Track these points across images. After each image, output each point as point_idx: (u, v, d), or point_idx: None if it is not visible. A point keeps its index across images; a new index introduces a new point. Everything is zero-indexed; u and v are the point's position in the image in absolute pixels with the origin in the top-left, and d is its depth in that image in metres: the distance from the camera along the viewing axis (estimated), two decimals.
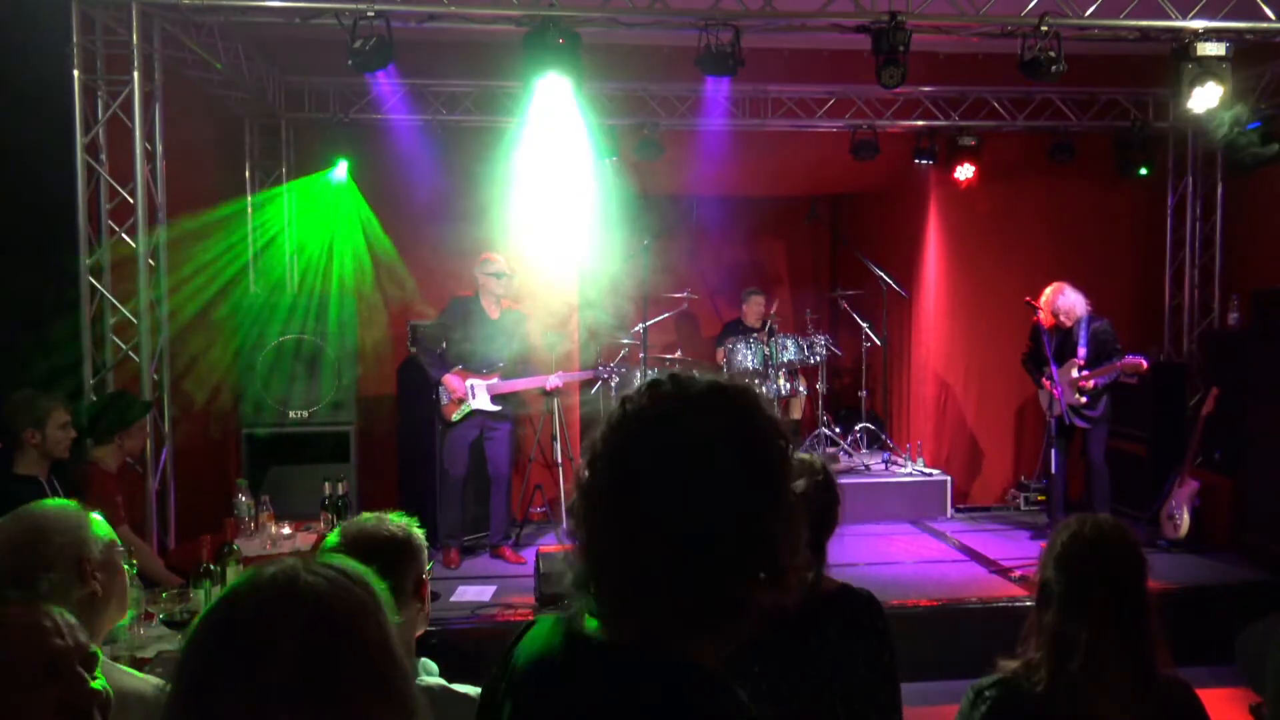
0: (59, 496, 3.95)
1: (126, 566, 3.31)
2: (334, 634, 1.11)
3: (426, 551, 2.17)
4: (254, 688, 1.06)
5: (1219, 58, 5.52)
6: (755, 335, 8.13)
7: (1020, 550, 6.62)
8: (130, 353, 5.24)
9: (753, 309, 8.64)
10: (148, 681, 1.99)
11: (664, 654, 1.18)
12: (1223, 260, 7.84)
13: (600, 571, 1.22)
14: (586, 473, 1.24)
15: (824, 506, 2.28)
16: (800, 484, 1.26)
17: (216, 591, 3.41)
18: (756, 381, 7.87)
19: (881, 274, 8.29)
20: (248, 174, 7.55)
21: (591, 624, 1.23)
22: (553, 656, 1.26)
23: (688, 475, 1.17)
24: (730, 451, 1.19)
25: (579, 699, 1.20)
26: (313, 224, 7.68)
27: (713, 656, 1.20)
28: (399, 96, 7.30)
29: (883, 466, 8.08)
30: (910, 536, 7.17)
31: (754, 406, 1.25)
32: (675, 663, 1.17)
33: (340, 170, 7.41)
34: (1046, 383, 6.48)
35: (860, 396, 8.56)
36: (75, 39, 4.99)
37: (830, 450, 8.14)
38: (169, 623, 3.25)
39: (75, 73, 5.02)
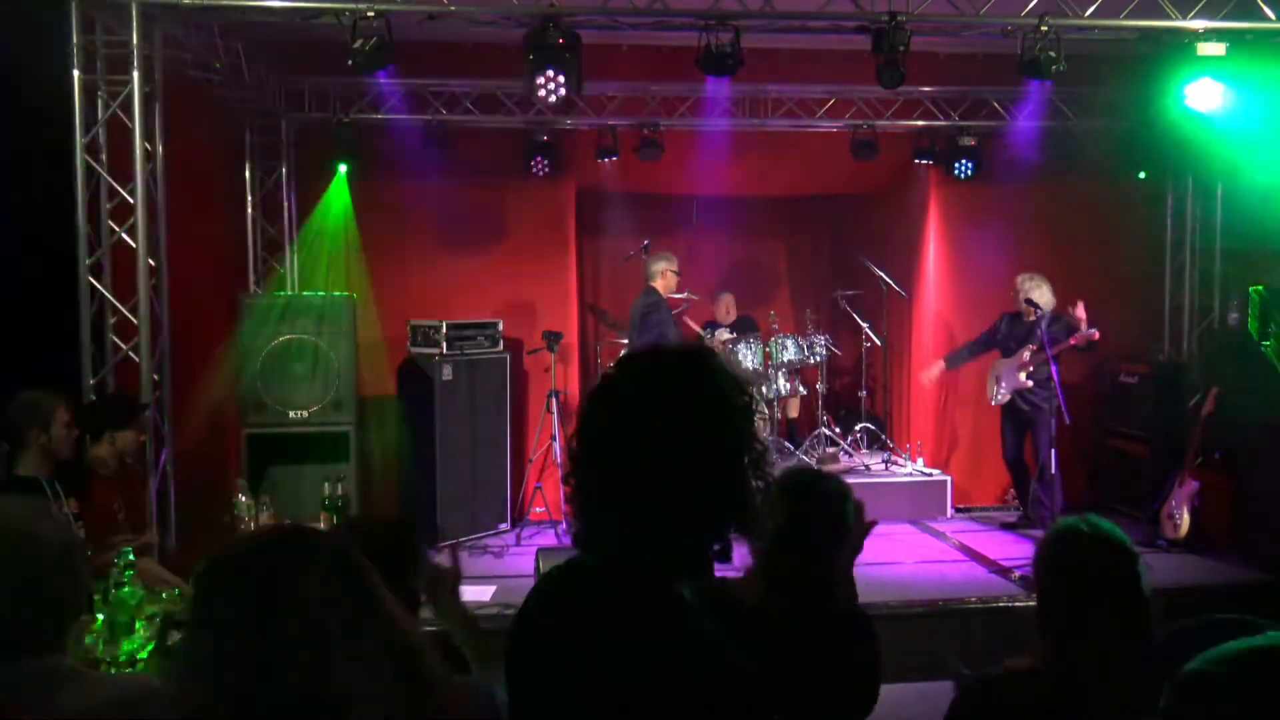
0: (60, 499, 3.97)
1: (121, 561, 3.34)
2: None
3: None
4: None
5: (1219, 58, 5.52)
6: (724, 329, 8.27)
7: (1020, 550, 6.60)
8: (130, 353, 5.24)
9: (720, 307, 8.69)
10: (134, 683, 1.98)
11: (646, 581, 1.34)
12: (1223, 260, 7.82)
13: (592, 521, 1.39)
14: (575, 442, 1.40)
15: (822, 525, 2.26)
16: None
17: None
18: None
19: (881, 274, 8.29)
20: (248, 174, 7.54)
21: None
22: (555, 583, 1.46)
23: (657, 433, 1.32)
24: (690, 408, 1.34)
25: (571, 612, 1.38)
26: (314, 223, 7.68)
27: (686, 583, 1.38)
28: (399, 96, 7.30)
29: (883, 466, 8.07)
30: (910, 536, 7.16)
31: (713, 367, 1.39)
32: (655, 590, 1.34)
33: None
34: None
35: (860, 396, 8.56)
36: (75, 39, 4.98)
37: (830, 450, 8.13)
38: (169, 622, 3.24)
39: (75, 73, 5.02)
